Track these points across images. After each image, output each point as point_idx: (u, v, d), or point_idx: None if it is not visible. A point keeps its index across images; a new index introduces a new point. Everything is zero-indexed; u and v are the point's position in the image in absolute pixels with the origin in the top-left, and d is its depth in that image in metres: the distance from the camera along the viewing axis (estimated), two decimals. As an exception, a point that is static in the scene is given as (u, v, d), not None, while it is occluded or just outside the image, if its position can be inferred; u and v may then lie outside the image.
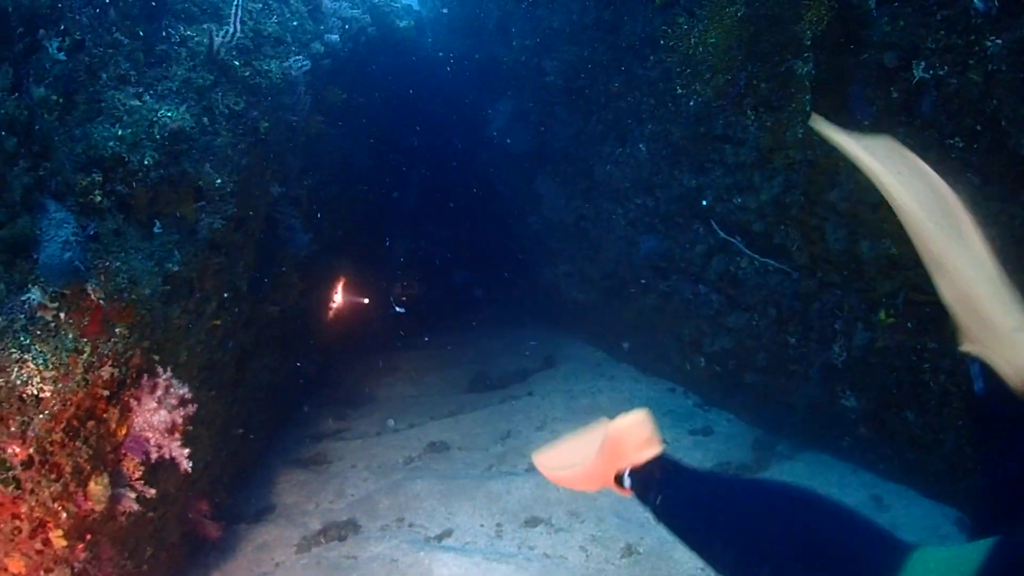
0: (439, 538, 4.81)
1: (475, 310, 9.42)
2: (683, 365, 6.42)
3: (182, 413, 3.34)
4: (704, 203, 5.35)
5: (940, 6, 3.29)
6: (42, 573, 3.11)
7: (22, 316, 2.94)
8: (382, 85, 8.04)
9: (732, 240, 5.10)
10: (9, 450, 2.92)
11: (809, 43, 3.93)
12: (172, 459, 3.36)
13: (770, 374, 5.41)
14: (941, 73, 3.36)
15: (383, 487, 5.41)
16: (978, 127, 3.30)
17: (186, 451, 3.35)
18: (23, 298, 2.97)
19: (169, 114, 3.43)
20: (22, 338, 2.91)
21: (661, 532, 4.74)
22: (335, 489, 5.44)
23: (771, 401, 5.53)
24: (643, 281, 6.47)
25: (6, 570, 3.08)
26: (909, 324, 4.23)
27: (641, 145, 5.92)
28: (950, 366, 4.10)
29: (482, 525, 4.93)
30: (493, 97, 8.13)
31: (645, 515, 4.94)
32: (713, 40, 4.09)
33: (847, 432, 4.95)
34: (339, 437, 6.28)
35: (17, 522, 3.00)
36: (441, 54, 9.65)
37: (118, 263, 3.10)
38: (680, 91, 4.66)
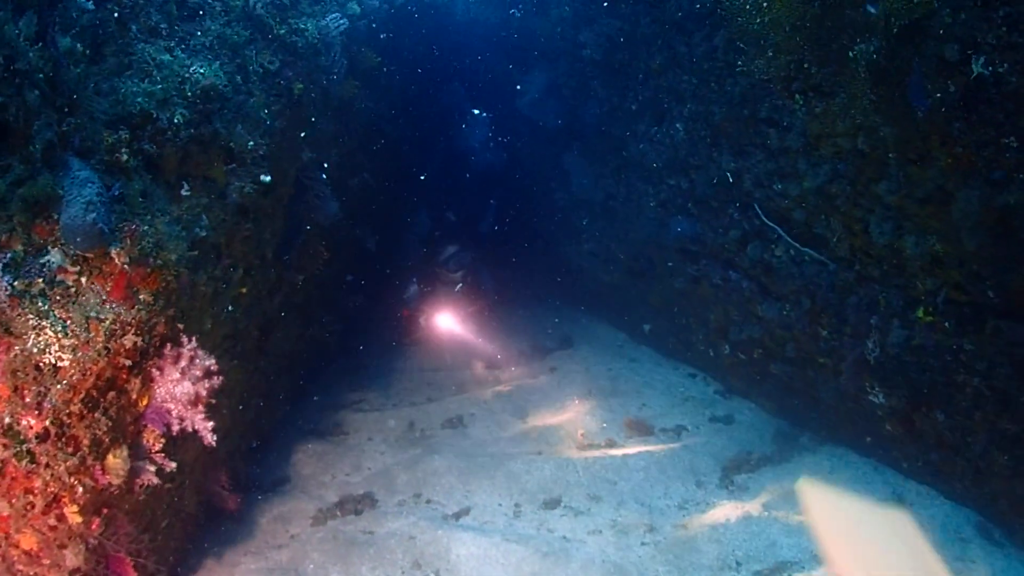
0: (457, 516, 4.75)
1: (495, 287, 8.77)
2: (706, 351, 6.30)
3: (207, 385, 3.24)
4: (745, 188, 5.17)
5: (1003, 3, 3.14)
6: (55, 549, 3.01)
7: (41, 280, 2.82)
8: (413, 52, 7.80)
9: (776, 228, 4.94)
10: (24, 422, 2.81)
11: (884, 28, 3.73)
12: (195, 432, 3.26)
13: (798, 365, 5.30)
14: (1000, 70, 3.23)
15: (401, 462, 5.34)
16: (1034, 128, 3.17)
17: (210, 424, 3.25)
18: (42, 261, 2.84)
19: (201, 71, 3.26)
20: (40, 303, 2.79)
21: (684, 519, 4.70)
22: (352, 462, 5.37)
23: (795, 393, 5.43)
24: (671, 264, 6.32)
25: (17, 546, 2.97)
26: (947, 324, 4.12)
27: (679, 125, 5.73)
28: (985, 369, 4.00)
29: (500, 505, 4.86)
30: (525, 69, 7.90)
31: (665, 502, 4.92)
32: (772, 13, 3.87)
33: (872, 429, 4.86)
34: (356, 408, 6.20)
35: (30, 497, 2.90)
36: (474, 22, 9.39)
37: (145, 226, 2.96)
38: (741, 68, 4.45)
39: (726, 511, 4.70)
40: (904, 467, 4.77)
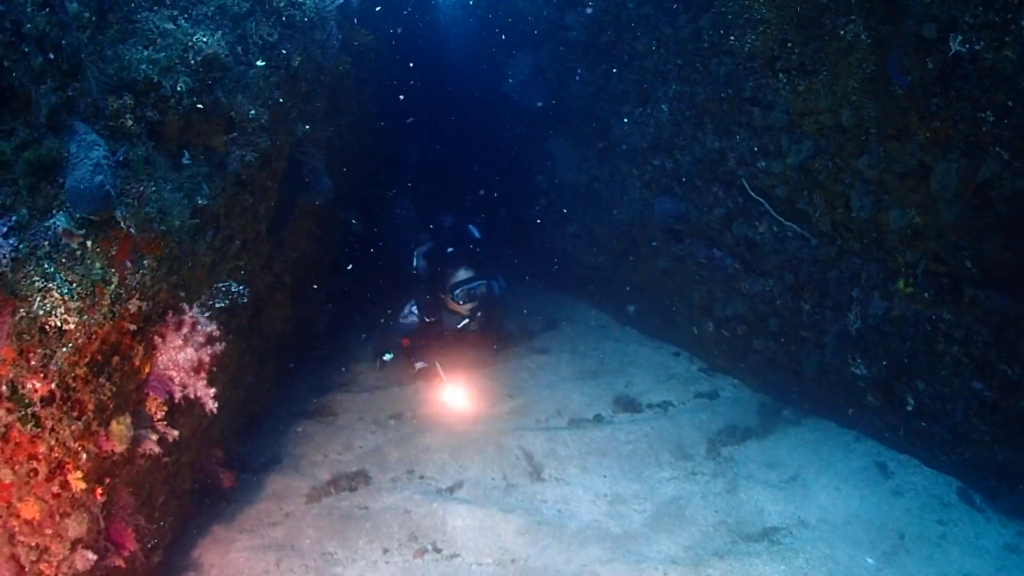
0: (451, 490, 4.80)
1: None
2: (690, 330, 6.41)
3: (209, 351, 3.24)
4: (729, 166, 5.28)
5: (979, -19, 3.28)
6: (57, 518, 2.96)
7: (46, 243, 2.79)
8: (398, 30, 7.79)
9: (763, 203, 5.05)
10: (29, 385, 2.76)
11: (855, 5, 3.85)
12: (197, 399, 3.27)
13: (780, 340, 5.42)
14: (977, 48, 3.37)
15: (392, 440, 5.37)
16: (1010, 103, 3.32)
17: (212, 391, 3.26)
18: (47, 224, 2.82)
19: (205, 40, 3.27)
20: (46, 266, 2.77)
21: (674, 489, 4.81)
22: (343, 441, 5.39)
23: (778, 367, 5.55)
24: (655, 244, 6.42)
25: (18, 516, 2.91)
26: (926, 294, 4.26)
27: (663, 105, 5.83)
28: (964, 337, 4.14)
29: (493, 478, 4.92)
30: (510, 51, 7.94)
31: (656, 473, 5.00)
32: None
33: (854, 400, 4.99)
34: (345, 389, 6.21)
35: (34, 463, 2.84)
36: (460, 2, 9.41)
37: (151, 190, 2.96)
38: (733, 41, 4.56)
39: (715, 481, 4.81)
40: (886, 437, 4.90)
